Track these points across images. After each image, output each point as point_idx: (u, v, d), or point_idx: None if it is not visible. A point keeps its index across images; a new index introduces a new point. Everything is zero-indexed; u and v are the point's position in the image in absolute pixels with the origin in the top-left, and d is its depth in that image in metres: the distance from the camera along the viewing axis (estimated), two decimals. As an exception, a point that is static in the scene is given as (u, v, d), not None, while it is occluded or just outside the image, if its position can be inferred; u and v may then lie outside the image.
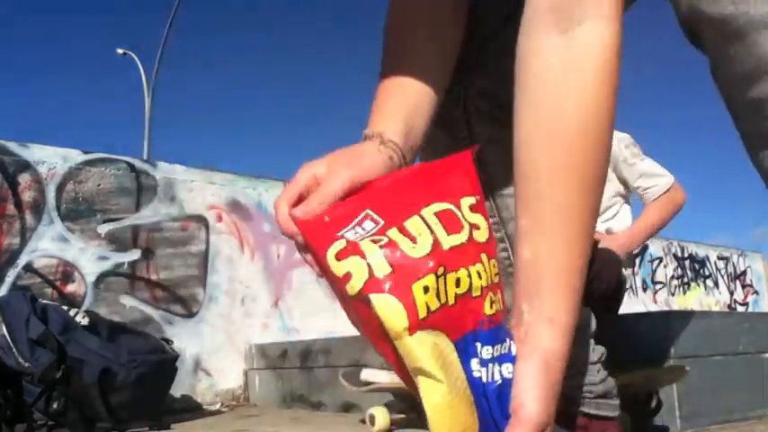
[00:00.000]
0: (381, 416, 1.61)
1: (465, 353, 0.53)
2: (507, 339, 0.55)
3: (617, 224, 2.14)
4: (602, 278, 1.75)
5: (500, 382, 0.53)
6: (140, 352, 1.99)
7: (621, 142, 2.07)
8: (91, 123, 30.88)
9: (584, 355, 0.93)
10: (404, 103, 0.72)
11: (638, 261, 4.88)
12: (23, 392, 1.78)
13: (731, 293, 5.58)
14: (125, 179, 2.71)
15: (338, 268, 0.53)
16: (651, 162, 2.07)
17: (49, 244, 2.49)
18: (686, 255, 5.31)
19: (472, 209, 0.56)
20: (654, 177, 2.05)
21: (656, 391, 1.36)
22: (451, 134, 0.85)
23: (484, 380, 0.53)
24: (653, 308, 4.75)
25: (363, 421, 1.81)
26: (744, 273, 5.77)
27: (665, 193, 2.03)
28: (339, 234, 0.55)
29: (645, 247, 4.96)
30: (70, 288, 2.51)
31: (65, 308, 2.07)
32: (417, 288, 0.51)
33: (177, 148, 32.03)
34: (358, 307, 0.53)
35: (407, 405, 1.63)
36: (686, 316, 1.56)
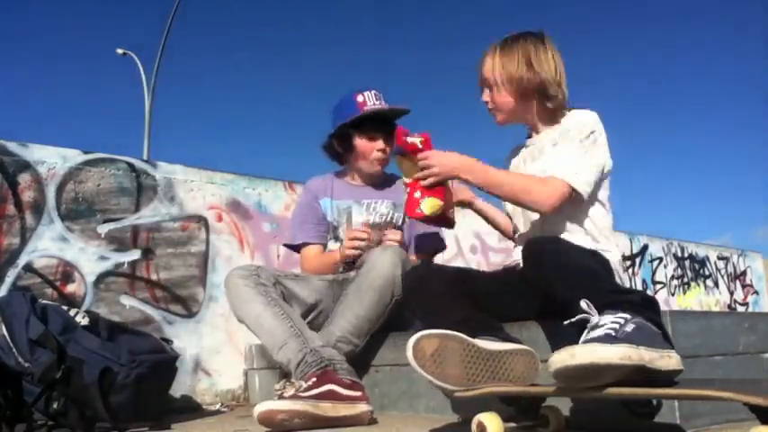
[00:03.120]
0: (494, 423, 1.34)
1: None
2: None
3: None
4: None
5: None
6: (140, 352, 1.99)
7: (577, 122, 1.78)
8: (91, 123, 30.86)
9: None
10: None
11: (638, 261, 4.88)
12: (23, 392, 1.78)
13: (731, 293, 5.58)
14: (125, 179, 2.71)
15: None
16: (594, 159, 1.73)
17: (49, 244, 2.49)
18: (686, 255, 5.31)
19: None
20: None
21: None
22: None
23: None
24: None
25: (456, 427, 1.66)
26: (744, 273, 5.77)
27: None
28: None
29: (645, 247, 4.97)
30: (70, 288, 2.51)
31: (65, 308, 2.07)
32: None
33: (177, 148, 32.00)
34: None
35: (520, 411, 1.46)
36: (686, 316, 1.56)
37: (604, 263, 1.61)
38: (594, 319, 1.22)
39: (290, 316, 2.03)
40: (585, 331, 1.22)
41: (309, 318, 2.15)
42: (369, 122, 2.30)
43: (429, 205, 1.79)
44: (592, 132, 1.74)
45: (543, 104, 1.84)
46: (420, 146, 1.83)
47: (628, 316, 1.21)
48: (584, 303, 1.24)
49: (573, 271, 1.38)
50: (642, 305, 1.27)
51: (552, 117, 1.86)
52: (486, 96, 1.92)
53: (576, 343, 1.20)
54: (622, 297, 1.28)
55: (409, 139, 1.87)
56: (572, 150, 1.72)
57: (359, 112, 2.28)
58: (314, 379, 1.83)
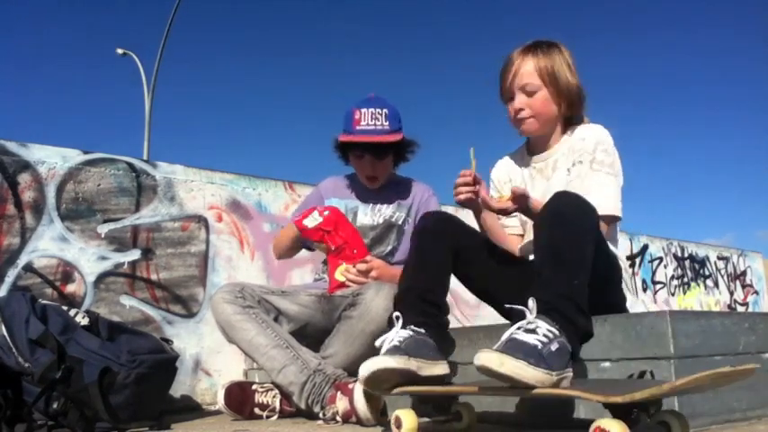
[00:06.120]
0: (409, 419, 1.45)
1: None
2: None
3: None
4: None
5: None
6: (140, 352, 1.99)
7: (599, 142, 1.75)
8: (91, 123, 30.85)
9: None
10: None
11: (638, 261, 4.88)
12: (23, 392, 1.78)
13: (731, 293, 5.58)
14: (125, 179, 2.71)
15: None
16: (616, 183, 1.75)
17: (49, 244, 2.50)
18: (686, 255, 5.31)
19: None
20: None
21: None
22: None
23: None
24: (653, 308, 4.75)
25: (381, 423, 1.76)
26: (744, 273, 5.77)
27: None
28: None
29: (645, 247, 4.96)
30: (70, 288, 2.51)
31: (65, 308, 2.07)
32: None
33: (177, 148, 31.98)
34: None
35: (435, 408, 1.55)
36: (686, 316, 1.56)
37: (614, 266, 1.65)
38: (530, 319, 1.27)
39: (284, 337, 2.04)
40: (517, 326, 1.27)
41: (298, 332, 2.14)
42: (358, 144, 2.29)
43: (340, 272, 2.14)
44: (614, 153, 1.75)
45: (567, 115, 1.81)
46: (324, 228, 2.13)
47: (557, 332, 1.26)
48: (531, 302, 1.29)
49: (572, 252, 1.38)
50: (579, 336, 1.32)
51: (564, 130, 1.83)
52: (521, 103, 1.79)
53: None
54: (575, 316, 1.31)
55: (308, 224, 2.15)
56: (605, 179, 1.71)
57: (351, 130, 2.28)
58: (333, 392, 1.90)
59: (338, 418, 1.84)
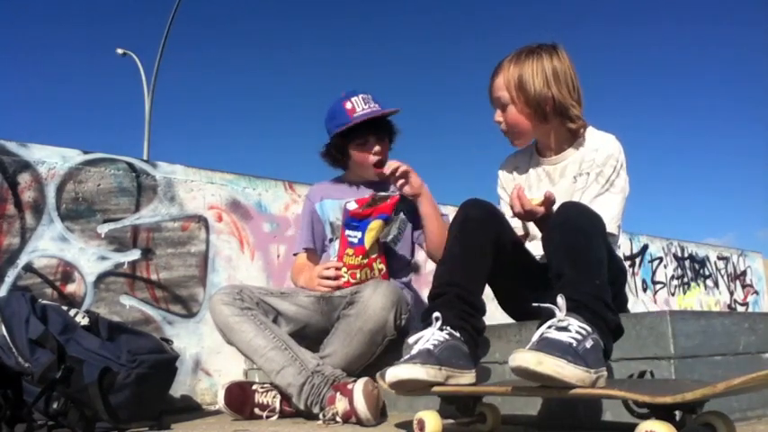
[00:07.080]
0: (433, 421, 1.42)
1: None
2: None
3: None
4: None
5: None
6: (140, 352, 1.99)
7: (610, 156, 1.76)
8: (91, 123, 30.85)
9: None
10: None
11: (638, 261, 4.88)
12: (23, 392, 1.78)
13: (731, 293, 5.58)
14: (125, 179, 2.71)
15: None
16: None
17: (49, 244, 2.49)
18: (686, 255, 5.31)
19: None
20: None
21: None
22: None
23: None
24: (653, 308, 4.75)
25: (402, 426, 1.73)
26: (744, 273, 5.77)
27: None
28: None
29: (645, 247, 4.96)
30: (70, 288, 2.51)
31: (65, 308, 2.07)
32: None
33: (177, 148, 31.99)
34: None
35: (459, 409, 1.52)
36: (686, 316, 1.56)
37: (621, 269, 1.64)
38: (561, 316, 1.25)
39: (282, 338, 2.04)
40: (548, 325, 1.25)
41: (297, 333, 2.14)
42: (359, 129, 2.25)
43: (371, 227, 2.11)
44: (621, 166, 1.73)
45: (564, 125, 1.75)
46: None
47: (590, 329, 1.24)
48: (560, 299, 1.27)
49: (590, 254, 1.38)
50: (612, 332, 1.32)
51: (573, 136, 1.78)
52: (498, 117, 1.79)
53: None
54: (604, 312, 1.30)
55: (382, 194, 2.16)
56: (607, 197, 1.70)
57: (349, 120, 2.23)
58: (333, 392, 1.89)
59: (338, 419, 1.84)
